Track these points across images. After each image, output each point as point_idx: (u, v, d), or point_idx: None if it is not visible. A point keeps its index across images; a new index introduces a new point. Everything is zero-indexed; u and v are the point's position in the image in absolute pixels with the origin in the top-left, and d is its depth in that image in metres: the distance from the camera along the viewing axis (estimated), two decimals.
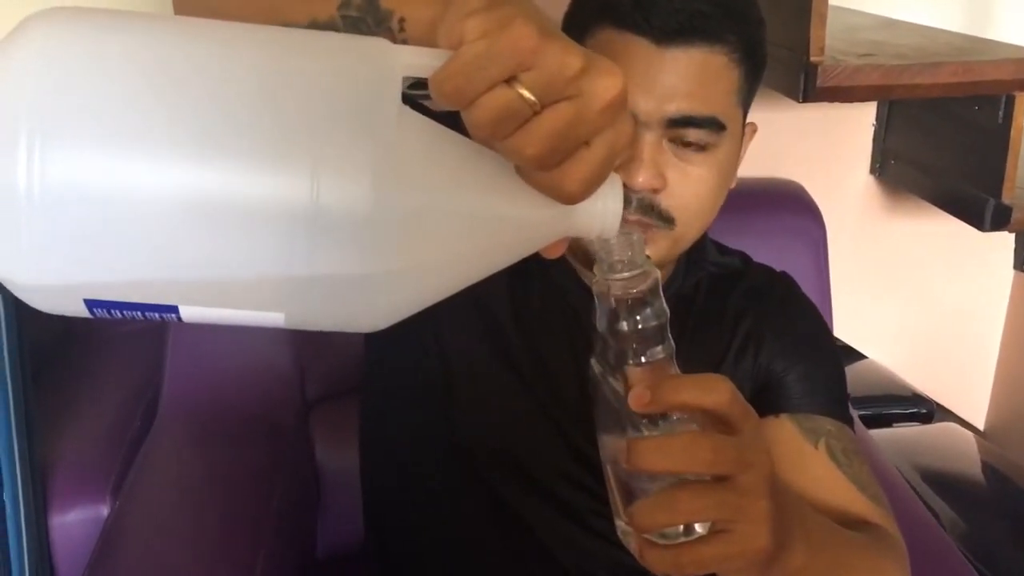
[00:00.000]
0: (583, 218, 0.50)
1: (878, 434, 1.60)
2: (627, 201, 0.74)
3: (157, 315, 0.46)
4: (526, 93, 0.42)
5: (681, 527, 0.54)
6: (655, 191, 0.77)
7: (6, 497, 1.19)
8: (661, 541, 0.54)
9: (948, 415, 1.79)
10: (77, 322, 1.72)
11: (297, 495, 1.27)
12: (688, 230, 0.80)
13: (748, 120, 0.85)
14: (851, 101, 1.30)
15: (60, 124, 0.41)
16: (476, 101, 0.43)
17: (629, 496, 0.56)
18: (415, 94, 0.52)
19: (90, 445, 1.39)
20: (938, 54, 1.32)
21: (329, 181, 0.43)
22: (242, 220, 0.43)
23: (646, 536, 0.54)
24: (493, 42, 0.42)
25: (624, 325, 0.55)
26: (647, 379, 0.54)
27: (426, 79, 0.45)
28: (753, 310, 0.91)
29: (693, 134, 0.77)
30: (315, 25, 0.53)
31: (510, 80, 0.42)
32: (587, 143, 0.45)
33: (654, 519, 0.52)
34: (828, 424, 0.85)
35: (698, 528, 0.54)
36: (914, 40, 1.45)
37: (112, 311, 0.46)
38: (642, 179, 0.76)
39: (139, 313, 0.46)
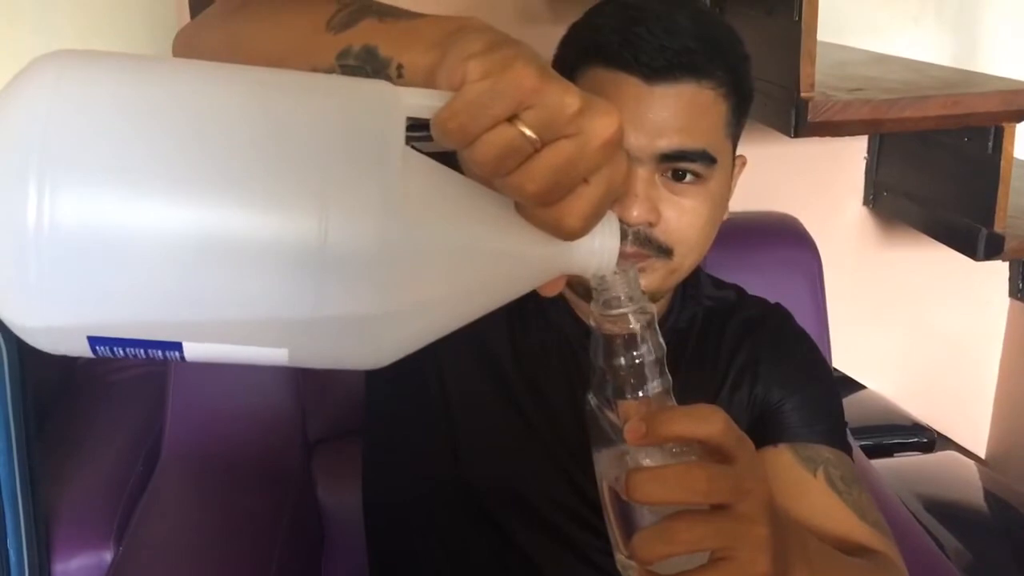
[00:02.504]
0: (581, 255, 0.51)
1: (879, 464, 1.60)
2: (623, 235, 0.75)
3: (160, 353, 0.46)
4: (528, 131, 0.44)
5: (683, 558, 0.54)
6: (650, 224, 0.78)
7: (9, 546, 1.19)
8: (662, 572, 0.54)
9: (949, 444, 1.79)
10: (79, 370, 1.74)
11: (300, 536, 1.27)
12: (684, 260, 0.82)
13: (739, 153, 0.87)
14: (841, 135, 1.31)
15: (70, 164, 0.42)
16: (479, 139, 0.44)
17: (628, 529, 0.57)
18: (412, 135, 0.54)
19: (93, 492, 1.39)
20: (926, 88, 1.34)
21: (337, 221, 0.43)
22: (250, 259, 0.43)
23: (647, 568, 0.54)
24: (495, 81, 0.43)
25: (621, 360, 0.56)
26: (643, 413, 0.54)
27: (422, 121, 0.46)
28: (748, 342, 0.92)
29: (685, 167, 0.78)
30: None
31: (511, 119, 0.44)
32: (586, 180, 0.46)
33: (654, 550, 0.52)
34: (826, 452, 0.86)
35: (697, 557, 0.54)
36: (903, 75, 1.47)
37: (115, 349, 0.46)
38: (637, 213, 0.77)
39: (142, 351, 0.46)
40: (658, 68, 0.76)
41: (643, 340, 0.56)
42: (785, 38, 1.27)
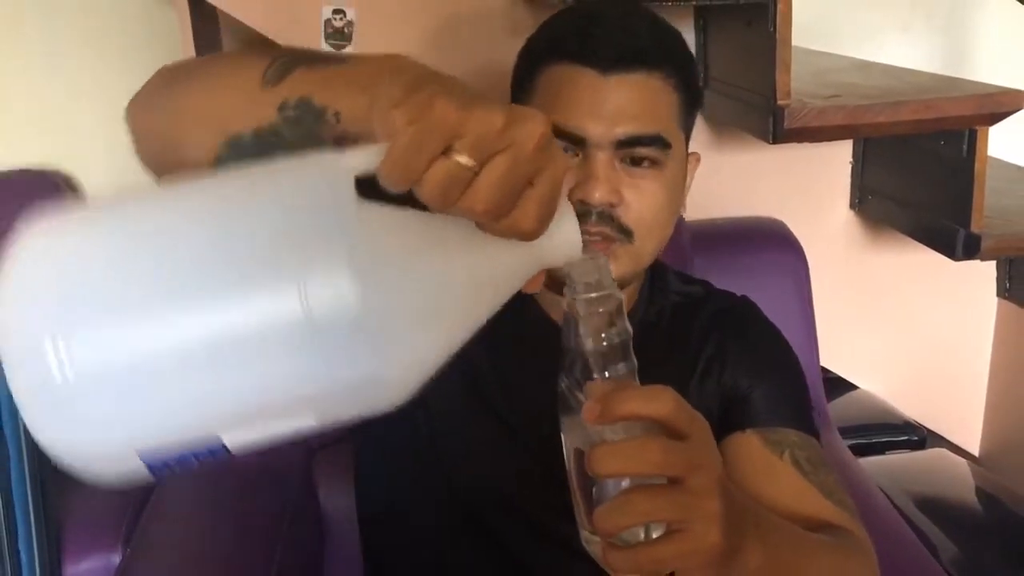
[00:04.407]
0: (548, 249, 0.56)
1: (870, 461, 1.63)
2: (587, 215, 0.83)
3: (209, 454, 0.51)
4: (462, 159, 0.48)
5: (641, 533, 0.58)
6: (612, 206, 0.83)
7: (21, 548, 1.24)
8: (622, 543, 0.58)
9: (942, 442, 1.81)
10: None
11: (301, 539, 1.30)
12: (646, 244, 0.86)
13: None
14: (818, 141, 1.35)
15: (72, 317, 0.47)
16: (421, 179, 0.48)
17: (592, 505, 0.60)
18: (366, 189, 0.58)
19: (102, 496, 1.43)
20: (902, 93, 1.38)
21: (315, 295, 0.47)
22: (254, 348, 0.48)
23: (609, 541, 0.58)
24: (421, 125, 0.47)
25: (590, 342, 0.60)
26: (599, 394, 0.58)
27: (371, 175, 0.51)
28: (716, 334, 0.95)
29: (642, 152, 0.84)
30: (261, 130, 0.59)
31: (447, 151, 0.48)
32: (531, 183, 0.50)
33: (612, 521, 0.55)
34: (793, 436, 0.89)
35: (655, 532, 0.58)
36: (882, 81, 1.51)
37: (167, 462, 0.50)
38: (599, 194, 0.82)
39: (192, 456, 0.50)
40: (612, 59, 0.83)
41: (611, 324, 0.60)
42: (762, 48, 1.31)
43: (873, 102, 1.32)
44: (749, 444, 0.88)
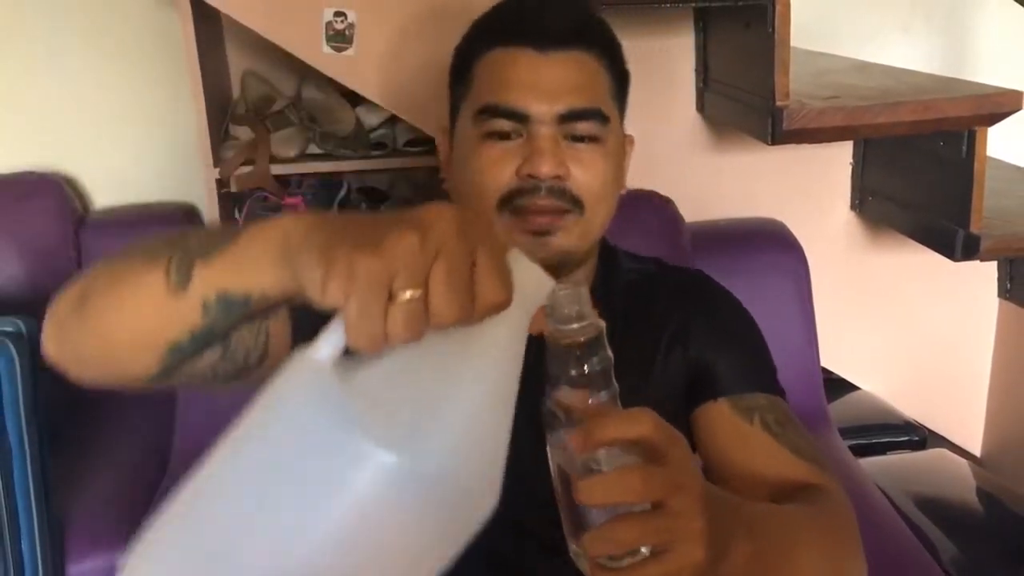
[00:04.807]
0: (527, 299, 0.57)
1: (871, 462, 1.63)
2: (537, 190, 0.85)
3: None
4: (407, 294, 0.49)
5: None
6: (560, 178, 0.86)
7: (24, 548, 1.25)
8: (610, 564, 0.60)
9: (943, 443, 1.82)
10: (90, 388, 1.79)
11: None
12: (595, 215, 0.88)
13: (631, 135, 0.97)
14: (817, 142, 1.36)
15: None
16: (386, 333, 0.49)
17: (579, 520, 0.62)
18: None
19: (106, 497, 1.44)
20: (901, 94, 1.38)
21: (369, 487, 0.49)
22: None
23: (597, 560, 0.60)
24: (358, 294, 0.49)
25: (572, 371, 0.61)
26: (583, 422, 0.60)
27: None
28: (676, 308, 0.96)
29: (583, 127, 0.87)
30: (196, 332, 0.62)
31: (391, 297, 0.49)
32: (474, 263, 0.52)
33: (599, 548, 0.58)
34: (761, 399, 0.90)
35: (643, 550, 0.59)
36: (882, 82, 1.51)
37: None
38: (546, 168, 0.85)
39: None
40: (549, 38, 0.87)
41: (593, 351, 0.61)
42: (761, 49, 1.32)
43: (872, 103, 1.32)
44: (720, 413, 0.90)
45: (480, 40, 0.92)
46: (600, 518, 0.60)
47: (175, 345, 0.64)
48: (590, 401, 0.61)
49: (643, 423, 0.59)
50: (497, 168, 0.87)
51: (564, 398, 0.62)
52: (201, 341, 0.64)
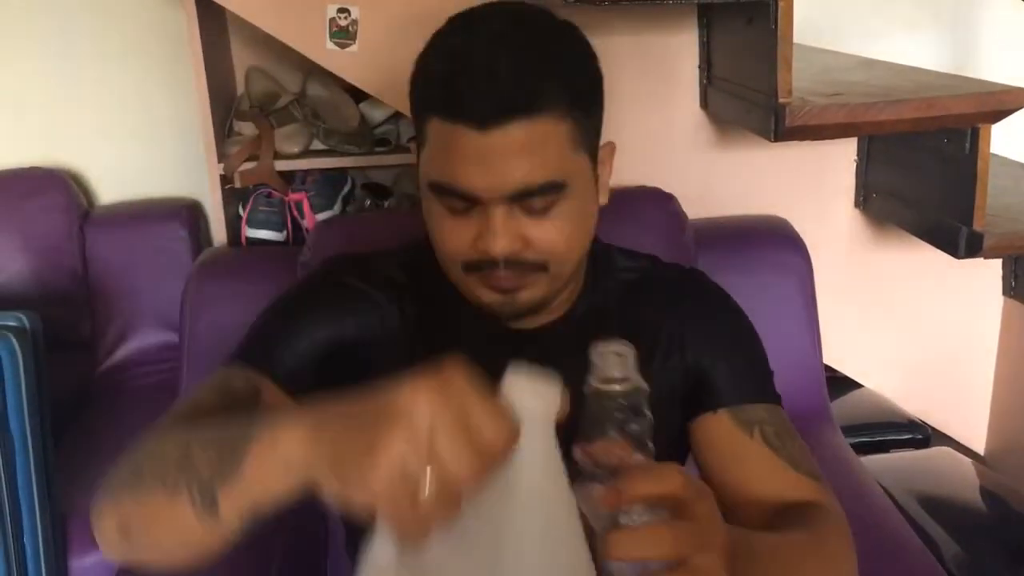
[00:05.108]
0: (538, 417, 0.59)
1: (874, 459, 1.63)
2: (494, 265, 0.82)
3: None
4: (425, 482, 0.54)
5: None
6: (518, 252, 0.82)
7: (26, 542, 1.26)
8: None
9: (947, 441, 1.81)
10: (98, 377, 1.80)
11: (302, 537, 1.31)
12: (563, 267, 0.86)
13: (608, 142, 0.90)
14: (820, 138, 1.35)
15: None
16: (425, 523, 0.54)
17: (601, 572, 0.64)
18: None
19: None
20: (904, 91, 1.37)
21: None
22: None
23: None
24: (381, 505, 0.54)
25: (610, 429, 0.62)
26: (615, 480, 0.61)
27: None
28: (672, 310, 0.95)
29: (536, 202, 0.81)
30: (234, 538, 0.66)
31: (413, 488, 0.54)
32: (469, 419, 0.56)
33: None
34: (761, 411, 0.90)
35: None
36: (885, 79, 1.51)
37: None
38: (499, 248, 0.81)
39: None
40: (486, 116, 0.78)
41: (633, 413, 0.63)
42: (764, 46, 1.31)
43: (875, 100, 1.32)
44: (720, 424, 0.90)
45: (422, 102, 0.85)
46: (624, 572, 0.61)
47: (219, 549, 0.68)
48: (624, 458, 0.63)
49: (673, 480, 0.60)
50: (454, 239, 0.84)
51: (597, 453, 0.63)
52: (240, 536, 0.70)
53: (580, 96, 0.83)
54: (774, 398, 0.93)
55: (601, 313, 0.95)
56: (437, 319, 0.94)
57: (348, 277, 0.95)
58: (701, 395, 0.91)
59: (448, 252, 0.85)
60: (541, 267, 0.84)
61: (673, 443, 0.92)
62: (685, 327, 0.94)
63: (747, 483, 0.87)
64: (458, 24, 0.85)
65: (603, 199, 0.90)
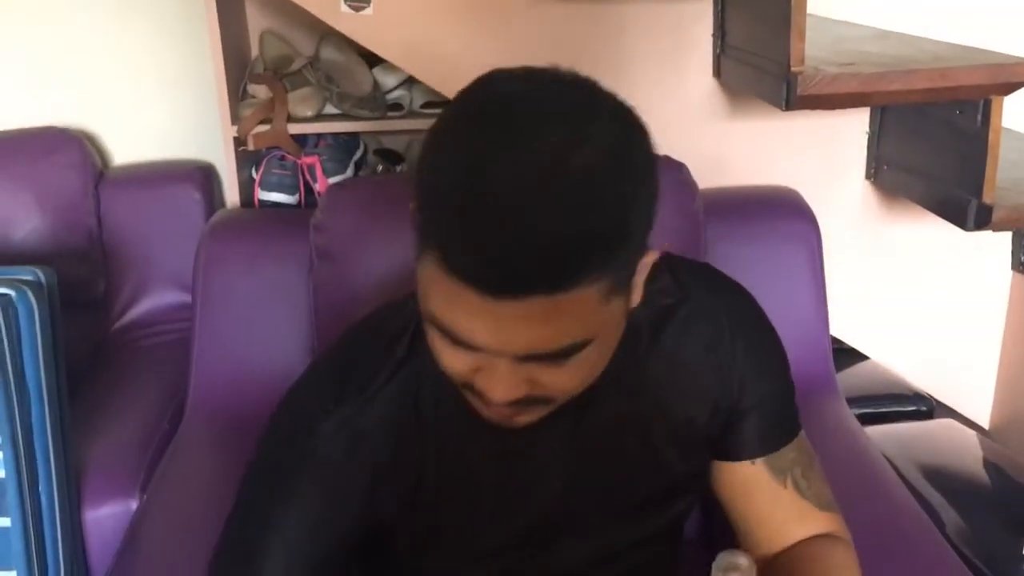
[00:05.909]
0: None
1: (878, 430, 1.64)
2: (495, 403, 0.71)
3: None
4: None
5: None
6: (523, 393, 0.71)
7: (41, 492, 1.28)
8: None
9: (951, 414, 1.82)
10: (113, 334, 1.83)
11: None
12: (573, 396, 0.76)
13: (650, 253, 0.73)
14: (831, 108, 1.35)
15: None
16: None
17: None
18: None
19: (121, 446, 1.48)
20: (917, 62, 1.37)
21: None
22: None
23: None
24: None
25: None
26: None
27: None
28: (714, 351, 0.89)
29: (550, 360, 0.69)
30: None
31: None
32: None
33: None
34: (791, 454, 0.92)
35: None
36: (900, 49, 1.50)
37: None
38: (500, 395, 0.70)
39: None
40: (500, 289, 0.63)
41: None
42: (777, 14, 1.31)
43: (887, 70, 1.32)
44: (757, 476, 0.92)
45: (426, 239, 0.67)
46: None
47: None
48: None
49: None
50: (454, 364, 0.72)
51: None
52: None
53: (625, 241, 0.67)
54: (799, 425, 0.94)
55: (656, 365, 0.87)
56: (454, 405, 0.81)
57: (334, 452, 0.81)
58: (736, 439, 0.91)
59: (445, 370, 0.73)
60: (546, 401, 0.74)
61: (695, 476, 0.93)
62: (729, 367, 0.89)
63: (777, 524, 0.92)
64: (486, 123, 0.66)
65: (635, 301, 0.75)
